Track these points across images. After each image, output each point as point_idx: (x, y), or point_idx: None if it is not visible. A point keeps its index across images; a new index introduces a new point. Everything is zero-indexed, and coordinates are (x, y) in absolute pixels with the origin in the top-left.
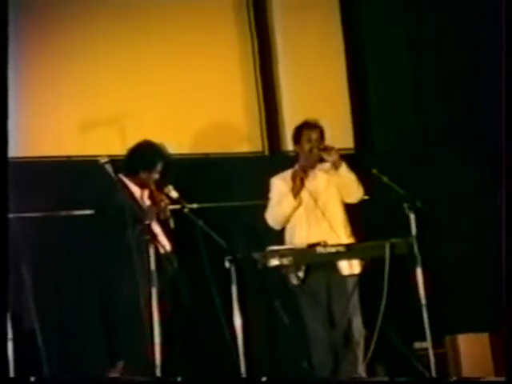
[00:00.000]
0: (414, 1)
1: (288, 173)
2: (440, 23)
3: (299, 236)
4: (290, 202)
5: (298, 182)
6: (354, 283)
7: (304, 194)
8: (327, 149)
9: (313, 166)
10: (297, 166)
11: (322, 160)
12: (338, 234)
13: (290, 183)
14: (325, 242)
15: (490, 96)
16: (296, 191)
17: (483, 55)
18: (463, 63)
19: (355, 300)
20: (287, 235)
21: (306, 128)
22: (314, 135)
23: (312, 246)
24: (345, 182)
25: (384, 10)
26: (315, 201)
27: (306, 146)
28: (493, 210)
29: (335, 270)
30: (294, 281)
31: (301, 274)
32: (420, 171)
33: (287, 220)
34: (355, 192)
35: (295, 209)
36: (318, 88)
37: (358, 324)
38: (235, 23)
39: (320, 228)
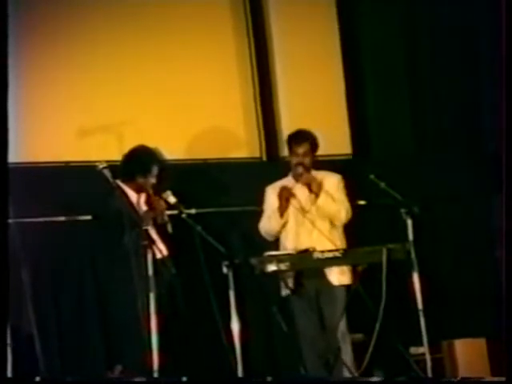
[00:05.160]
0: (413, 7)
1: (283, 182)
2: (439, 31)
3: (290, 245)
4: (277, 219)
5: (283, 202)
6: (344, 293)
7: (291, 210)
8: (308, 182)
9: (297, 179)
10: (290, 176)
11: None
12: (330, 241)
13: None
14: (314, 248)
15: (487, 102)
16: (282, 211)
17: (482, 64)
18: (461, 70)
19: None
20: (280, 243)
21: (293, 141)
22: (301, 150)
23: (303, 252)
24: (324, 211)
25: (383, 16)
26: (303, 214)
27: (293, 160)
28: (489, 215)
29: (325, 278)
30: (285, 291)
31: (290, 284)
32: (417, 177)
33: (278, 234)
34: (337, 218)
35: (283, 225)
36: (315, 94)
37: (343, 329)
38: (233, 29)
39: (310, 237)
